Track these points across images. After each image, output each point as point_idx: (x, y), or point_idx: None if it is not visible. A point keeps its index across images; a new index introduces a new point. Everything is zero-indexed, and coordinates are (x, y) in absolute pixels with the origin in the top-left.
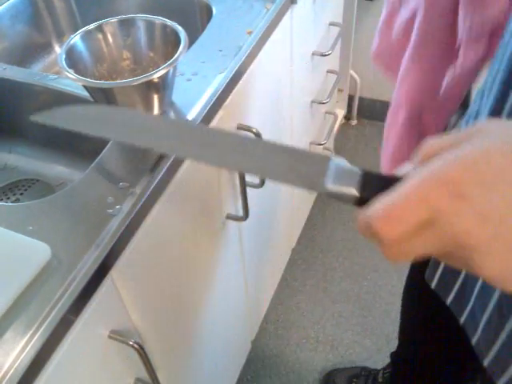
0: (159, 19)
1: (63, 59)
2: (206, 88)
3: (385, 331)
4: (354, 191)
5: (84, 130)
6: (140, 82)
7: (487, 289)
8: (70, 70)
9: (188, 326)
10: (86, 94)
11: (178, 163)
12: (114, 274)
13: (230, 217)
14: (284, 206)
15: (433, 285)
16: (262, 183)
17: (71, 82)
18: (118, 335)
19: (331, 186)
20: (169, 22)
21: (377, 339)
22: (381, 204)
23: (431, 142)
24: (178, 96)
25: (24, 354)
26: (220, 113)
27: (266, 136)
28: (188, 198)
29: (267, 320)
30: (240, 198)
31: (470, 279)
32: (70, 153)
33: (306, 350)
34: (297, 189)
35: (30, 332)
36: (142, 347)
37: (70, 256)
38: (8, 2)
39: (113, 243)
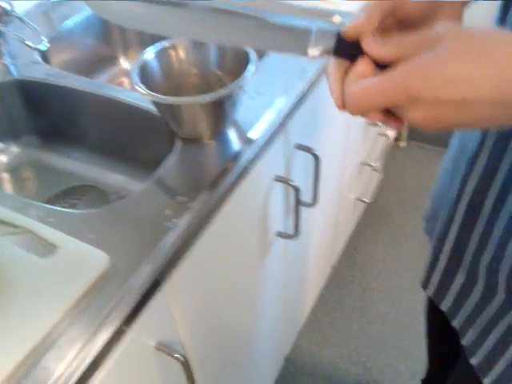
0: None
1: (136, 74)
2: (269, 107)
3: (421, 356)
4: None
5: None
6: (209, 100)
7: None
8: (141, 85)
9: (228, 339)
10: (149, 106)
11: (236, 181)
12: (167, 286)
13: (280, 234)
14: (329, 225)
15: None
16: (314, 203)
17: (136, 95)
18: (165, 347)
19: (312, 51)
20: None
21: (412, 364)
22: (360, 87)
23: (405, 40)
24: (240, 113)
25: (76, 361)
26: (281, 132)
27: (323, 155)
28: (242, 215)
29: (301, 336)
30: (291, 216)
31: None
32: (125, 161)
33: (338, 370)
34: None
35: (84, 340)
36: (187, 361)
37: (127, 266)
38: (81, 15)
39: (169, 256)
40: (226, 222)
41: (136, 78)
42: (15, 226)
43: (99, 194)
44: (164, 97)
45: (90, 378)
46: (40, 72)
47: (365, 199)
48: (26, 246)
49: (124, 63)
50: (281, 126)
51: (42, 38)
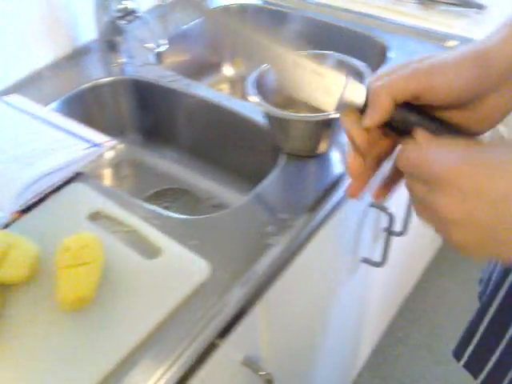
0: (350, 59)
1: (252, 84)
2: None
3: None
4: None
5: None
6: (322, 119)
7: None
8: (257, 96)
9: (300, 361)
10: (256, 117)
11: (337, 206)
12: (262, 303)
13: (366, 261)
14: (410, 255)
15: (462, 362)
16: (404, 232)
17: (244, 104)
18: (251, 363)
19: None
20: (359, 63)
21: None
22: None
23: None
24: (344, 136)
25: (166, 375)
26: None
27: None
28: (336, 238)
29: (365, 366)
30: (380, 244)
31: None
32: (223, 169)
33: None
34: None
35: (180, 348)
36: (271, 380)
37: (226, 278)
38: (197, 20)
39: (267, 273)
40: (321, 244)
41: (252, 88)
42: (122, 224)
43: (192, 198)
44: (280, 111)
45: None
46: (153, 73)
47: None
48: (131, 245)
49: (227, 70)
50: None
51: (161, 40)
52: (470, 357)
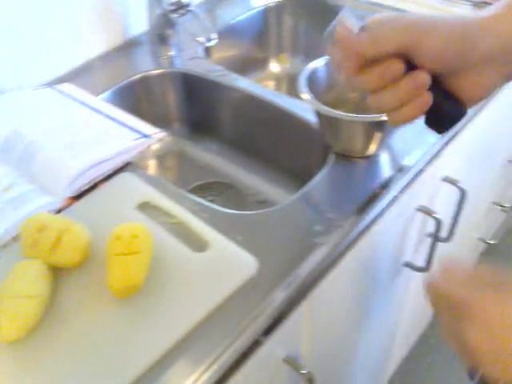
0: None
1: (304, 81)
2: (424, 136)
3: None
4: None
5: None
6: (375, 120)
7: None
8: (307, 94)
9: (336, 362)
10: (305, 115)
11: (385, 209)
12: (307, 302)
13: (408, 265)
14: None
15: None
16: (449, 238)
17: (293, 101)
18: (293, 361)
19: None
20: None
21: None
22: None
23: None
24: (394, 139)
25: (212, 368)
26: (432, 163)
27: (468, 187)
28: (381, 241)
29: (396, 373)
30: (423, 249)
31: None
32: (268, 166)
33: None
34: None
35: (224, 344)
36: (312, 379)
37: (273, 275)
38: (244, 15)
39: (314, 273)
40: (367, 245)
41: (304, 86)
42: (170, 216)
43: (236, 193)
44: (332, 110)
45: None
46: (202, 67)
47: (488, 240)
48: (179, 236)
49: (273, 67)
50: (434, 156)
51: (212, 34)
52: None
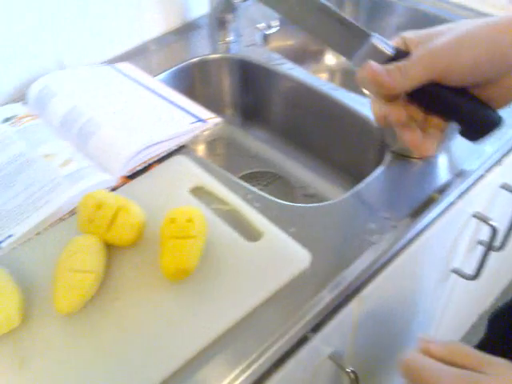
0: None
1: None
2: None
3: None
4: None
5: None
6: None
7: None
8: None
9: (382, 366)
10: (364, 111)
11: (441, 214)
12: (356, 301)
13: (456, 272)
14: (496, 271)
15: None
16: (502, 247)
17: (351, 96)
18: (338, 359)
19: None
20: None
21: None
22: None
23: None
24: (455, 142)
25: (258, 361)
26: (492, 170)
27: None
28: (433, 244)
29: None
30: (474, 256)
31: None
32: (320, 160)
33: None
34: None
35: (272, 337)
36: (357, 377)
37: (325, 271)
38: None
39: (369, 272)
40: (419, 248)
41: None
42: (223, 202)
43: (284, 185)
44: None
45: (267, 379)
46: (259, 54)
47: None
48: (232, 224)
49: (329, 59)
50: (495, 163)
51: (273, 22)
52: None
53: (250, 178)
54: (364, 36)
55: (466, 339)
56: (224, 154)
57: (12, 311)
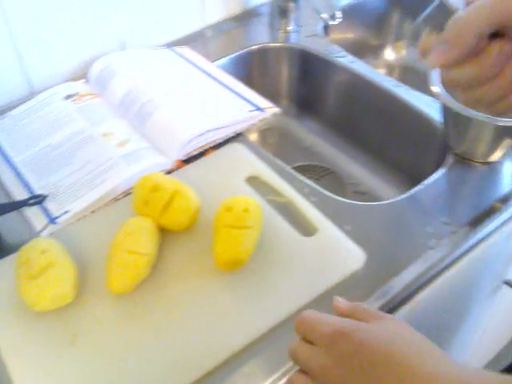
0: None
1: (437, 72)
2: None
3: None
4: None
5: None
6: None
7: None
8: (442, 88)
9: None
10: (427, 110)
11: (501, 226)
12: (409, 306)
13: (509, 283)
14: None
15: None
16: None
17: (414, 94)
18: None
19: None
20: None
21: None
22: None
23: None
24: None
25: None
26: None
27: None
28: (490, 254)
29: None
30: None
31: None
32: (375, 157)
33: None
34: None
35: None
36: None
37: (380, 272)
38: None
39: (424, 277)
40: (477, 256)
41: (437, 78)
42: (279, 194)
43: (336, 180)
44: (463, 107)
45: None
46: (320, 45)
47: None
48: (286, 217)
49: (388, 55)
50: None
51: (337, 13)
52: None
53: (301, 170)
54: None
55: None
56: (276, 144)
57: (67, 286)
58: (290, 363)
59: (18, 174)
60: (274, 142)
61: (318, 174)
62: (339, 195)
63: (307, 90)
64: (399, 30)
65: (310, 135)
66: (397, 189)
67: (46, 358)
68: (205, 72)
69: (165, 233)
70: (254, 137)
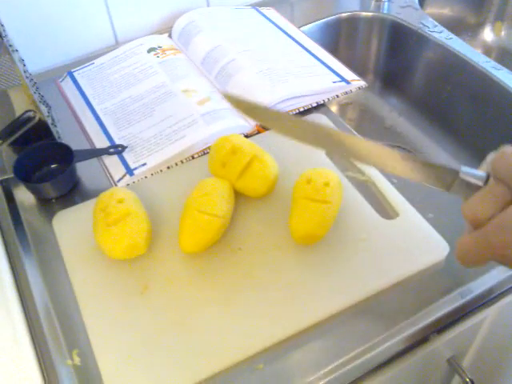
0: None
1: None
2: None
3: None
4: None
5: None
6: None
7: None
8: None
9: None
10: None
11: None
12: (494, 309)
13: None
14: None
15: None
16: None
17: (508, 76)
18: (457, 364)
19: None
20: None
21: None
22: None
23: None
24: None
25: (373, 350)
26: None
27: None
28: None
29: None
30: None
31: None
32: (459, 142)
33: None
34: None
35: (390, 330)
36: None
37: (462, 268)
38: None
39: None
40: None
41: None
42: (362, 173)
43: None
44: None
45: (374, 374)
46: (414, 18)
47: None
48: (366, 196)
49: (487, 34)
50: None
51: None
52: None
53: None
54: (452, 172)
55: None
56: (356, 120)
57: (140, 239)
58: (356, 352)
59: (100, 123)
60: (353, 117)
61: None
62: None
63: (395, 66)
64: (501, 9)
65: (393, 114)
66: None
67: (117, 304)
68: (290, 36)
69: (240, 197)
70: (333, 110)
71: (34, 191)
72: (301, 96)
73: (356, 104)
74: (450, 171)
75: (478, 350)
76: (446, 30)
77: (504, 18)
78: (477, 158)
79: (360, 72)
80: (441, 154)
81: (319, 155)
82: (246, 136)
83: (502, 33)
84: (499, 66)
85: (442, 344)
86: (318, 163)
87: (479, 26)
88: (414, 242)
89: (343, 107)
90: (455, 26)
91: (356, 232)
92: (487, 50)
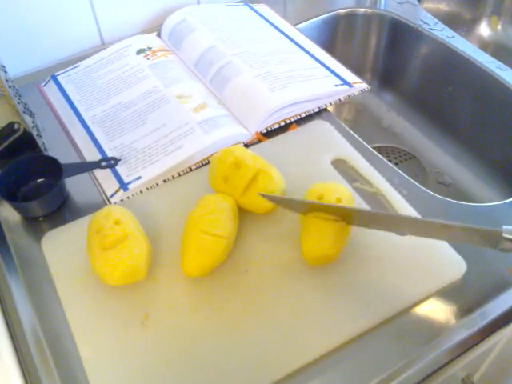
0: None
1: None
2: None
3: None
4: None
5: None
6: None
7: None
8: None
9: None
10: None
11: None
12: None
13: None
14: None
15: None
16: None
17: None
18: (470, 381)
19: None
20: None
21: None
22: None
23: None
24: None
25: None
26: None
27: None
28: None
29: None
30: None
31: None
32: (462, 144)
33: None
34: None
35: (403, 361)
36: None
37: (480, 287)
38: None
39: None
40: None
41: None
42: (370, 184)
43: (417, 166)
44: None
45: None
46: (413, 15)
47: None
48: (376, 209)
49: (483, 30)
50: None
51: None
52: None
53: (379, 152)
54: (495, 233)
55: None
56: (352, 121)
57: (140, 263)
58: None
59: (89, 132)
60: (350, 117)
61: (397, 158)
62: (420, 184)
63: (393, 64)
64: (497, 4)
65: (391, 114)
66: (487, 185)
67: (116, 335)
68: (285, 35)
69: (243, 214)
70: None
71: (19, 210)
72: (303, 101)
73: (352, 103)
74: (492, 232)
75: (489, 365)
76: (447, 28)
77: (500, 13)
78: (477, 158)
79: (357, 71)
80: (441, 155)
81: (324, 164)
82: (246, 145)
83: (499, 27)
84: (504, 66)
85: (460, 367)
86: (324, 174)
87: (475, 20)
88: (430, 259)
89: (339, 107)
90: (451, 21)
91: (369, 250)
92: (484, 45)
